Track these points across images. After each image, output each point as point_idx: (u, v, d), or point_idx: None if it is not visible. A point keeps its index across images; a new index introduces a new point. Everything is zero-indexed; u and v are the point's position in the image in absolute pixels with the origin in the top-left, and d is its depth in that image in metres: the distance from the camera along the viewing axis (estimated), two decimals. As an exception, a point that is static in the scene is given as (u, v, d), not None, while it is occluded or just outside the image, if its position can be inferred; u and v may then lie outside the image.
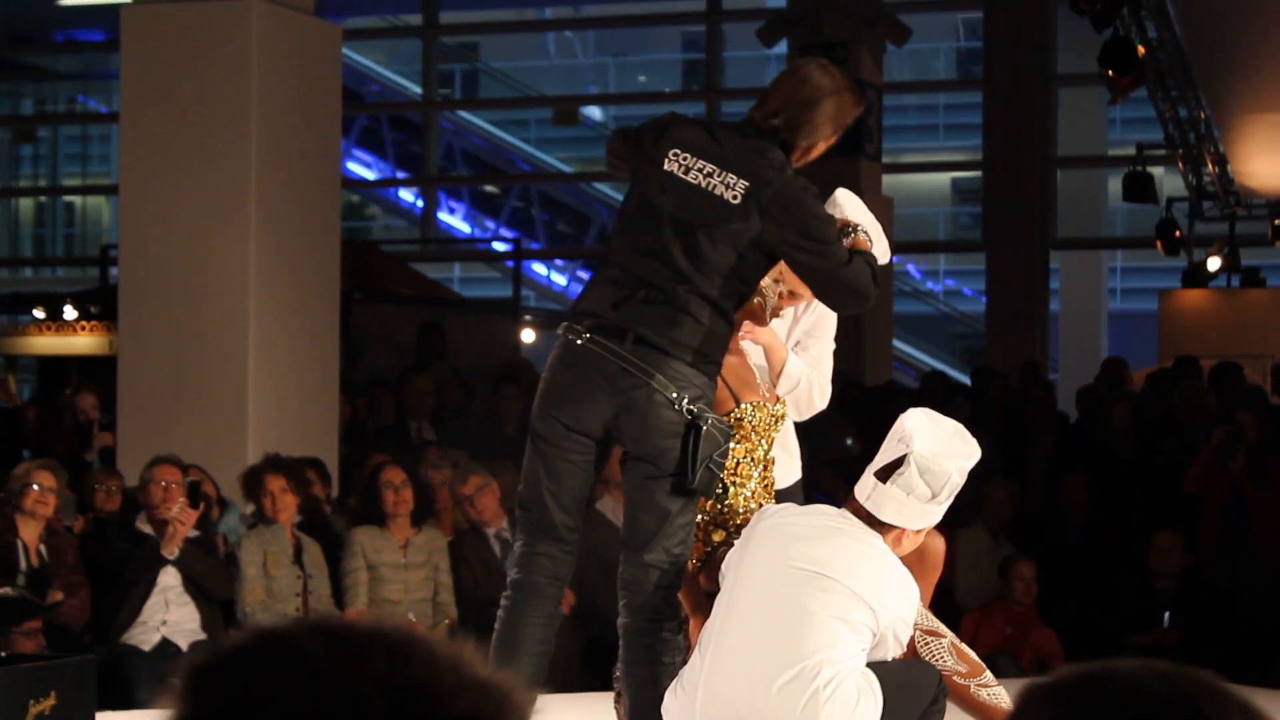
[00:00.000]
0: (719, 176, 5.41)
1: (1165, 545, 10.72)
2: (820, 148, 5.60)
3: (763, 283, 5.60)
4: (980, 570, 11.19)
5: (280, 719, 1.46)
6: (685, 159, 5.46)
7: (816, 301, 5.87)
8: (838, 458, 11.69)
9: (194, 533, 8.88)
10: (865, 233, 5.58)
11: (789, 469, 5.94)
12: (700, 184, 5.42)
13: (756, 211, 5.36)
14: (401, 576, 9.44)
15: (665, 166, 5.46)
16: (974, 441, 5.24)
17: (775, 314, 5.72)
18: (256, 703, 1.47)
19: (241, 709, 1.48)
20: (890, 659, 5.10)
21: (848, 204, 5.70)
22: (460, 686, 1.49)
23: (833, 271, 5.39)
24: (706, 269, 5.38)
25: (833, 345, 6.02)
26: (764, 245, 5.39)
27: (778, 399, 5.69)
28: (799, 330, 5.96)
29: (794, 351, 5.90)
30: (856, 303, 5.52)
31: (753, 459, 5.60)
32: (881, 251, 5.68)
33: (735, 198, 5.38)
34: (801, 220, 5.37)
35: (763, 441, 5.62)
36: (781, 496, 5.74)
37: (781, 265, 5.62)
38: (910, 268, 30.19)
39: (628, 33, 30.69)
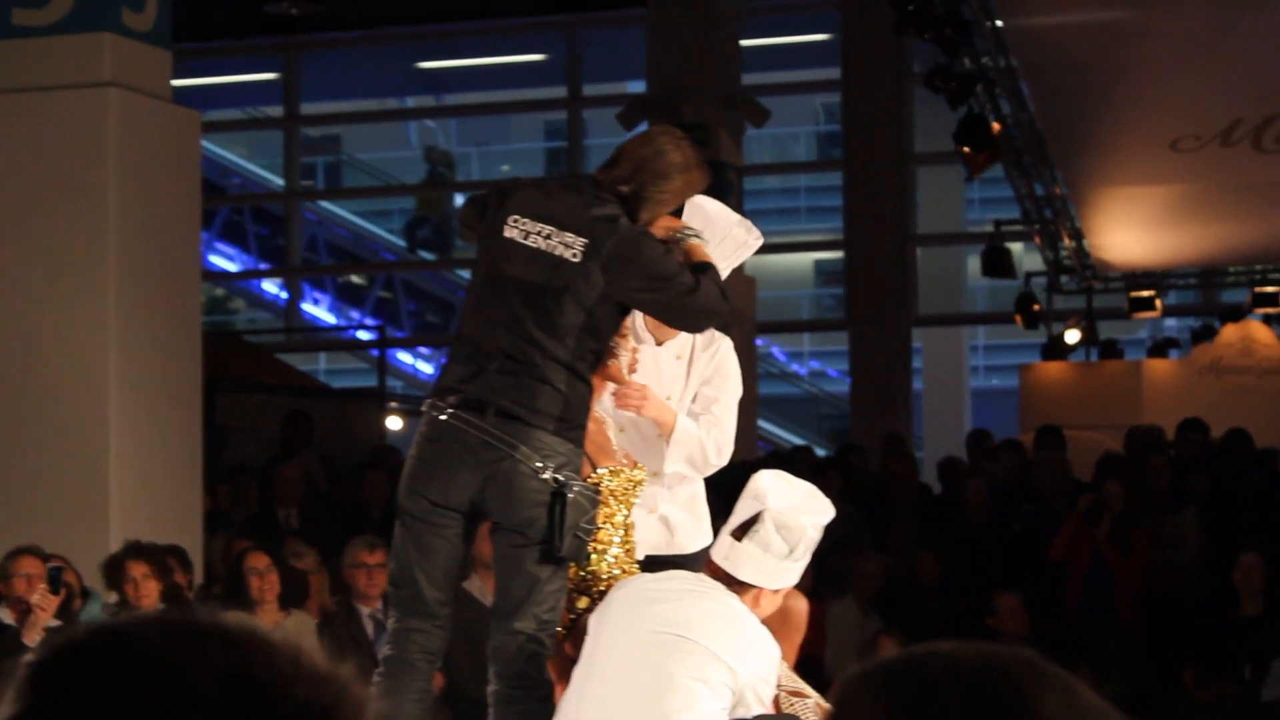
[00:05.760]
0: (558, 237, 5.44)
1: (1006, 606, 10.73)
2: (657, 221, 5.64)
3: (613, 341, 5.62)
4: (850, 643, 11.23)
5: (118, 711, 1.45)
6: (524, 224, 5.49)
7: (716, 345, 5.91)
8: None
9: (55, 622, 8.76)
10: (697, 235, 5.63)
11: (695, 534, 5.92)
12: (540, 247, 5.45)
13: (598, 267, 5.39)
14: (270, 664, 9.32)
15: (505, 234, 5.50)
16: (826, 500, 5.29)
17: (632, 369, 5.74)
18: (94, 696, 1.47)
19: (79, 702, 1.47)
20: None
21: (706, 204, 5.76)
22: (298, 676, 1.49)
23: (678, 303, 5.46)
24: (558, 333, 5.40)
25: (739, 392, 6.02)
26: (611, 298, 5.42)
27: (635, 464, 5.70)
28: (697, 376, 5.96)
29: (693, 405, 5.90)
30: (709, 322, 5.60)
31: (613, 524, 5.60)
32: (756, 238, 5.76)
33: (575, 256, 5.41)
34: (642, 266, 5.41)
35: (621, 507, 5.63)
36: (687, 562, 5.71)
37: (635, 318, 5.67)
38: (775, 350, 30.34)
39: (490, 122, 30.74)
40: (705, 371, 5.97)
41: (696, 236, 5.61)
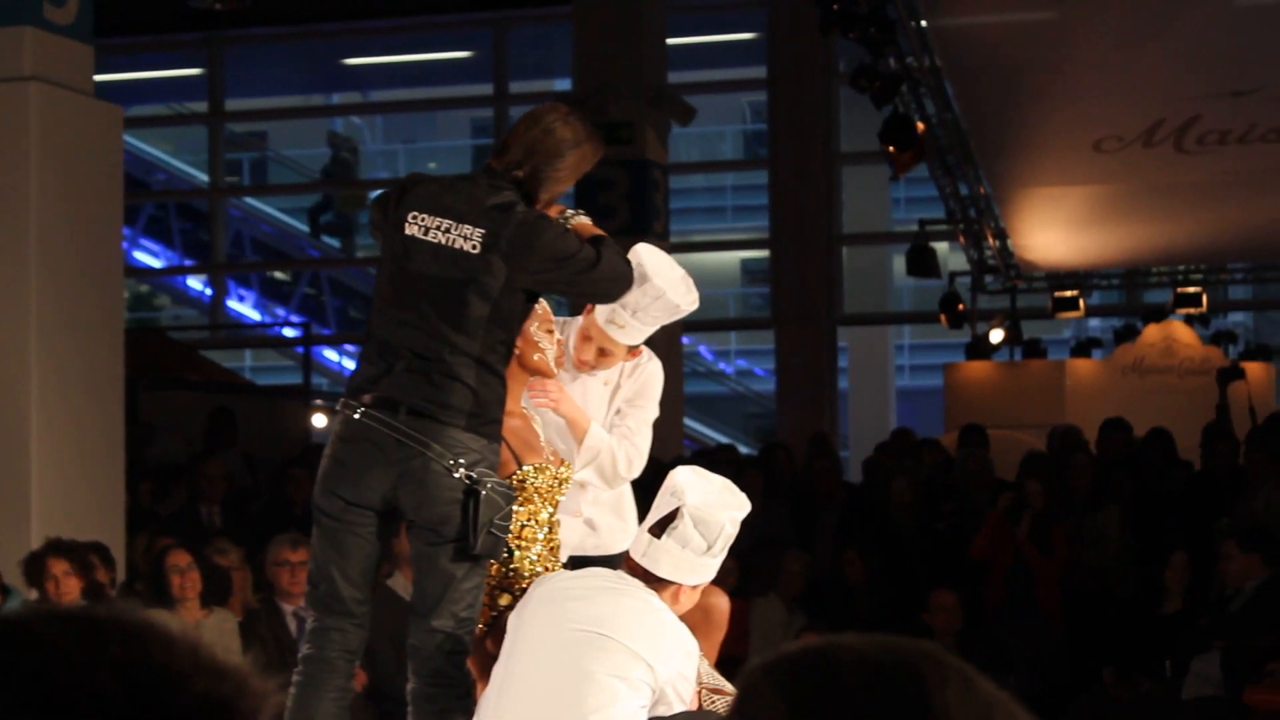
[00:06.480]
0: (456, 230, 5.45)
1: (941, 604, 10.77)
2: (557, 196, 5.67)
3: (538, 335, 5.63)
4: (775, 641, 11.25)
5: (16, 704, 1.45)
6: (423, 219, 5.50)
7: (642, 367, 5.92)
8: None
9: (-25, 620, 8.70)
10: (580, 214, 5.64)
11: (621, 534, 5.92)
12: (440, 242, 5.46)
13: (498, 257, 5.40)
14: (191, 661, 9.27)
15: (406, 230, 5.51)
16: (743, 495, 5.30)
17: (559, 363, 5.75)
18: None
19: None
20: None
21: (648, 257, 5.74)
22: (197, 669, 1.49)
23: (582, 279, 5.49)
24: (465, 327, 5.41)
25: (655, 413, 6.03)
26: (515, 286, 5.43)
27: (562, 462, 5.69)
28: (620, 399, 5.97)
29: (615, 419, 5.91)
30: (620, 289, 5.60)
31: (536, 521, 5.59)
32: (690, 302, 5.74)
33: (475, 248, 5.42)
34: (542, 249, 5.43)
35: (546, 504, 5.62)
36: (613, 561, 5.71)
37: (564, 320, 5.68)
38: (702, 349, 30.38)
39: (417, 119, 30.67)
40: (628, 393, 5.98)
41: (580, 215, 5.63)
